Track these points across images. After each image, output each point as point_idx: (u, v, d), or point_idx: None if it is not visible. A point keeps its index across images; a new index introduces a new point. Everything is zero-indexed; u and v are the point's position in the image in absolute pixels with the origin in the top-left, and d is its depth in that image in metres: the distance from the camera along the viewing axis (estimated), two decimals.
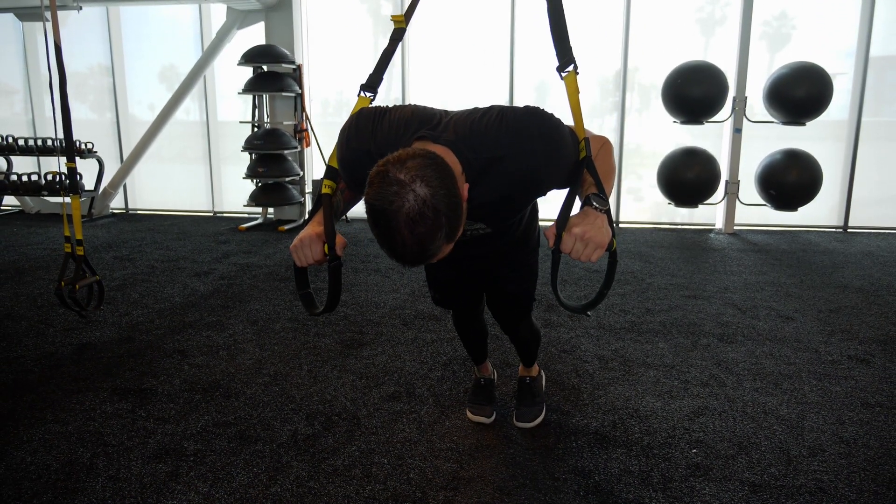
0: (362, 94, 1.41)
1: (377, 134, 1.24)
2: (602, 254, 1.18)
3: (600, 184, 1.23)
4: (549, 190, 1.29)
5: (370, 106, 1.33)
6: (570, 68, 1.32)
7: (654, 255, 4.40)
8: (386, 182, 1.02)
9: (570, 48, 1.33)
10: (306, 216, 5.86)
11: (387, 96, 5.89)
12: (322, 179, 1.33)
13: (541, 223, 1.73)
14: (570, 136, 1.25)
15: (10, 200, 6.30)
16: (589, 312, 1.40)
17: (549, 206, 1.63)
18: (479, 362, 2.11)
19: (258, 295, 3.44)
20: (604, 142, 1.35)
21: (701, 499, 1.64)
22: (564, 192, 1.29)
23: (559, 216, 1.21)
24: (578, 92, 1.33)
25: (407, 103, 1.34)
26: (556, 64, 1.33)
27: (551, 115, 1.22)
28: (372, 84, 1.41)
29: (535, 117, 1.20)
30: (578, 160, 1.26)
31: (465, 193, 1.11)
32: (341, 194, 1.36)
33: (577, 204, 1.25)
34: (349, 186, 1.35)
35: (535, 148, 1.18)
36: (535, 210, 1.70)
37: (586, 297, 3.39)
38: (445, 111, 1.30)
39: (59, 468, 1.78)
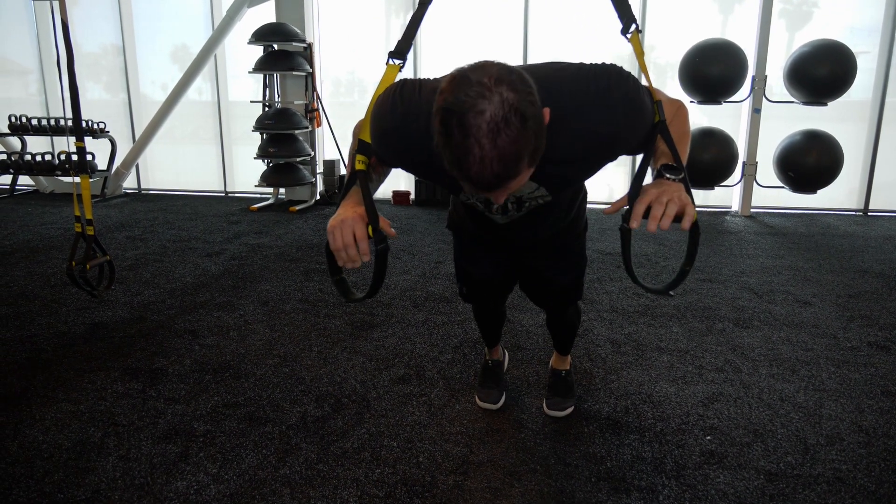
0: (391, 61, 1.30)
1: (426, 97, 1.11)
2: (684, 209, 1.06)
3: (675, 152, 1.15)
4: (621, 154, 1.20)
5: (412, 79, 1.22)
6: (633, 28, 1.26)
7: (668, 237, 4.33)
8: (466, 84, 0.88)
9: (629, 7, 1.27)
10: (317, 196, 5.84)
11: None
12: (353, 155, 1.23)
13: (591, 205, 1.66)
14: (648, 97, 1.17)
15: (24, 180, 6.33)
16: (671, 292, 1.29)
17: (596, 183, 1.56)
18: (491, 346, 2.08)
19: (269, 276, 3.43)
20: (679, 106, 1.28)
21: (715, 487, 1.62)
22: (607, 174, 1.22)
23: (631, 188, 1.12)
24: (643, 53, 1.27)
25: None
26: (620, 27, 1.28)
27: (630, 73, 1.13)
28: (401, 51, 1.31)
29: (617, 76, 1.11)
30: (653, 124, 1.18)
31: (547, 117, 0.97)
32: (372, 170, 1.26)
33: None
34: (383, 160, 1.25)
35: (617, 108, 1.09)
36: (584, 190, 1.62)
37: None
38: None
39: (71, 447, 1.79)
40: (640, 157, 1.24)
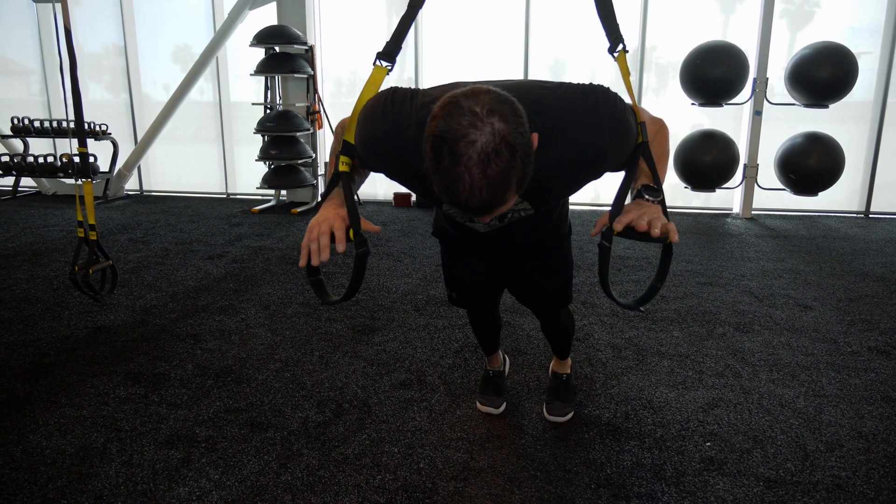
0: (378, 63, 1.27)
1: (418, 108, 1.12)
2: (664, 219, 1.10)
3: (655, 172, 1.18)
4: (606, 172, 1.21)
5: (402, 87, 1.23)
6: (621, 48, 1.27)
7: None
8: (458, 112, 0.90)
9: (618, 27, 1.27)
10: (319, 198, 5.85)
11: (400, 76, 5.82)
12: (337, 156, 1.22)
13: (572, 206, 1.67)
14: (633, 118, 1.19)
15: (27, 182, 6.35)
16: (642, 308, 1.31)
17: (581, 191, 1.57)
18: (490, 353, 2.09)
19: (270, 279, 3.44)
20: (661, 125, 1.30)
21: (714, 494, 1.62)
22: (608, 179, 1.23)
23: (613, 206, 1.15)
24: (630, 73, 1.29)
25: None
26: (608, 45, 1.28)
27: (617, 94, 1.16)
28: (389, 52, 1.28)
29: (604, 96, 1.13)
30: (636, 144, 1.20)
31: (536, 143, 0.99)
32: (354, 172, 1.26)
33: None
34: (366, 164, 1.25)
35: (603, 127, 1.12)
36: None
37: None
38: (490, 81, 1.24)
39: (74, 453, 1.80)
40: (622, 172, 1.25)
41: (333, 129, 1.43)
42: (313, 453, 1.80)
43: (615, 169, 1.22)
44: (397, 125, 1.14)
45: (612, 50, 1.28)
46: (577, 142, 1.12)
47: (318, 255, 1.12)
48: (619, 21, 1.28)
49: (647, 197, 1.15)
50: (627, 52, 1.28)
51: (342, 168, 1.20)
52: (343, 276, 3.46)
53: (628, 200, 1.19)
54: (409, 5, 1.36)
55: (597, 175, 1.21)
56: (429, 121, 0.94)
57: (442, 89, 1.16)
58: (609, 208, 1.17)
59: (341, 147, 1.22)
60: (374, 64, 1.27)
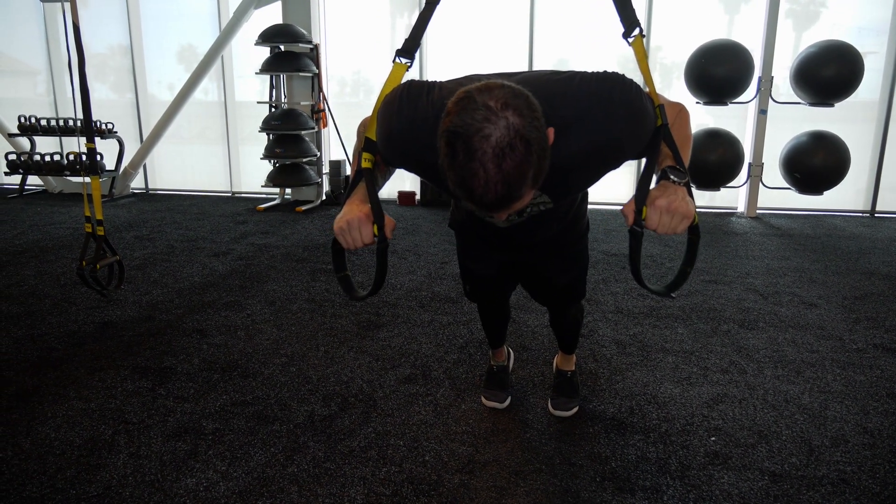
0: (398, 60, 1.29)
1: (434, 101, 1.12)
2: (688, 224, 1.12)
3: (678, 154, 1.17)
4: (625, 161, 1.20)
5: (418, 80, 1.24)
6: (636, 32, 1.26)
7: (673, 238, 4.34)
8: (472, 107, 0.90)
9: (633, 11, 1.26)
10: (323, 196, 5.87)
11: (404, 74, 5.83)
12: (359, 153, 1.24)
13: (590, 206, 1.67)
14: (650, 103, 1.18)
15: (33, 180, 6.39)
16: (673, 294, 1.30)
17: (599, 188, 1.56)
18: (496, 346, 2.09)
19: (275, 275, 3.46)
20: (680, 108, 1.29)
21: (719, 487, 1.63)
22: (611, 176, 1.22)
23: (638, 191, 1.14)
24: (646, 57, 1.28)
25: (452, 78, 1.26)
26: (622, 30, 1.27)
27: (632, 80, 1.15)
28: (408, 49, 1.30)
29: (619, 83, 1.12)
30: (656, 128, 1.19)
31: (551, 137, 0.98)
32: (377, 169, 1.27)
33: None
34: (387, 160, 1.26)
35: (618, 115, 1.11)
36: (585, 192, 1.62)
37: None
38: (503, 74, 1.23)
39: (82, 444, 1.82)
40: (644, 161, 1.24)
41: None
42: (319, 446, 1.81)
43: (635, 156, 1.20)
44: (412, 120, 1.14)
45: (626, 35, 1.27)
46: (595, 132, 1.10)
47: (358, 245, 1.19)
48: (634, 5, 1.27)
49: (672, 178, 1.13)
50: (644, 36, 1.27)
51: (365, 165, 1.21)
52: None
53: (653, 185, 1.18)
54: (427, 2, 1.37)
55: (617, 163, 1.19)
56: (443, 116, 0.94)
57: (458, 82, 1.17)
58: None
59: (363, 144, 1.24)
60: (394, 61, 1.29)
